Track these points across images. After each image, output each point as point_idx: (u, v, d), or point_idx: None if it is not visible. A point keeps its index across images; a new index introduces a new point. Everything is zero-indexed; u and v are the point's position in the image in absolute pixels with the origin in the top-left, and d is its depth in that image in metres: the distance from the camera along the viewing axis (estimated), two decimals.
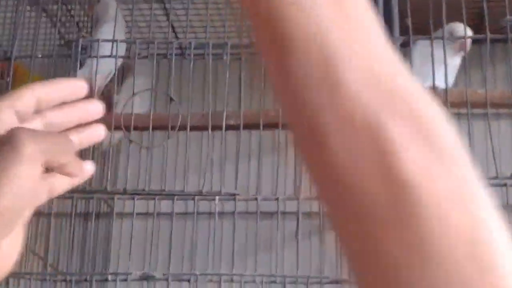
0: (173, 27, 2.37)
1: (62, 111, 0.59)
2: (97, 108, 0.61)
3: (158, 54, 2.18)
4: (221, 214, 2.02)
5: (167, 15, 2.33)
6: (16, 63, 2.24)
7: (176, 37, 2.45)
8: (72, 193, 2.08)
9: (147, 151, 2.13)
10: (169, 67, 2.13)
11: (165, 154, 2.09)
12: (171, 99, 2.13)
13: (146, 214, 2.24)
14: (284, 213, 2.06)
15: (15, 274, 2.00)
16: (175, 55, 2.15)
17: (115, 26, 2.19)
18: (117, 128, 2.11)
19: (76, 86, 0.60)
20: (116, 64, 2.21)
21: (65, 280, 2.10)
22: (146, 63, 2.25)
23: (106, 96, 2.28)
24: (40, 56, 2.23)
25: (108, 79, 2.24)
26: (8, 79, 2.18)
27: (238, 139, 2.01)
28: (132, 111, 2.17)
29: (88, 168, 0.58)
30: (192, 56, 2.13)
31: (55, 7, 2.31)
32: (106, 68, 2.20)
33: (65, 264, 2.21)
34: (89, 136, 0.61)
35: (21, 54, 2.22)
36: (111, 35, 2.19)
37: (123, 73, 2.42)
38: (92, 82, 2.19)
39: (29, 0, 2.27)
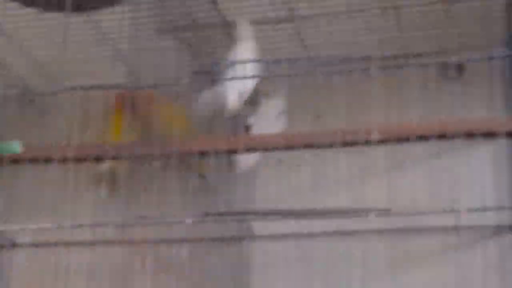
0: (304, 44, 2.35)
1: None
2: None
3: (292, 74, 2.17)
4: (372, 230, 1.97)
5: (298, 33, 2.31)
6: (153, 92, 2.26)
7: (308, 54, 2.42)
8: (215, 216, 2.08)
9: (293, 170, 2.11)
10: (309, 83, 2.12)
11: (309, 172, 2.07)
12: (317, 116, 2.11)
13: (286, 235, 2.21)
14: (436, 228, 1.99)
15: None
16: (312, 71, 2.13)
17: (247, 48, 2.19)
18: (254, 149, 2.10)
19: None
20: (250, 85, 2.20)
21: None
22: (282, 82, 2.23)
23: (242, 118, 2.28)
24: (177, 83, 2.23)
25: (243, 100, 2.23)
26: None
27: (386, 153, 1.96)
28: (268, 131, 2.16)
29: None
30: (327, 71, 2.11)
31: (188, 33, 2.33)
32: (240, 89, 2.19)
33: None
34: None
35: (157, 83, 2.23)
36: (244, 56, 2.18)
37: (258, 93, 2.41)
38: (226, 105, 2.18)
39: (163, 28, 2.29)
